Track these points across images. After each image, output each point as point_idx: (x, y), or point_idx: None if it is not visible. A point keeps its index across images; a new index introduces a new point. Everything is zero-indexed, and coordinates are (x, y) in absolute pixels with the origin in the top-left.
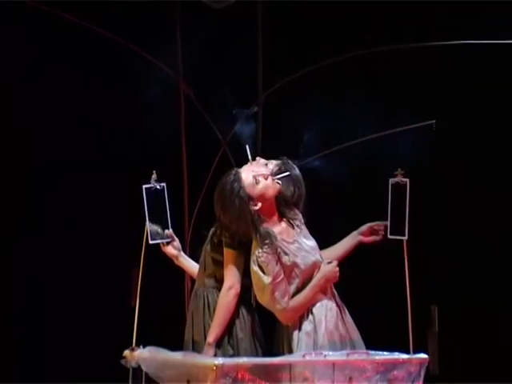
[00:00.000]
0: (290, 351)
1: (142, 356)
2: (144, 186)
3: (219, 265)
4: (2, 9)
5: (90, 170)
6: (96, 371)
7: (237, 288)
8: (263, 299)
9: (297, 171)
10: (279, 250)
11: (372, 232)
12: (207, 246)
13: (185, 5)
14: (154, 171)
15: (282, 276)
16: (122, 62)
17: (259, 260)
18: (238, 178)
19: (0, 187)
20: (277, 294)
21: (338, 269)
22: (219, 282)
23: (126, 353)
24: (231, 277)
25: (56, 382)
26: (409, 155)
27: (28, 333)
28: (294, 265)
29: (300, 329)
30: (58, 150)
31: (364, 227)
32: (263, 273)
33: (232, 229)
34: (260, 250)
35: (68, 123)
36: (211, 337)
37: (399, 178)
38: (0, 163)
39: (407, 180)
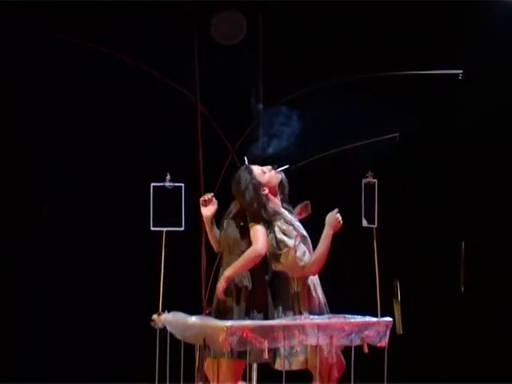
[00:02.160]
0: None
1: (167, 319)
2: (152, 185)
3: (244, 243)
4: (25, 33)
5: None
6: (128, 334)
7: (262, 250)
8: (288, 261)
9: (283, 175)
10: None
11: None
12: (229, 231)
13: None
14: (168, 173)
15: (300, 239)
16: (143, 83)
17: (282, 228)
18: (250, 170)
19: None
20: (299, 254)
21: (338, 215)
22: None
23: (154, 317)
24: (259, 242)
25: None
26: (377, 161)
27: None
28: (302, 236)
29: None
30: (90, 161)
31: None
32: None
33: (252, 208)
34: (279, 222)
35: (93, 136)
36: (228, 273)
37: (370, 179)
38: (25, 170)
39: (376, 180)
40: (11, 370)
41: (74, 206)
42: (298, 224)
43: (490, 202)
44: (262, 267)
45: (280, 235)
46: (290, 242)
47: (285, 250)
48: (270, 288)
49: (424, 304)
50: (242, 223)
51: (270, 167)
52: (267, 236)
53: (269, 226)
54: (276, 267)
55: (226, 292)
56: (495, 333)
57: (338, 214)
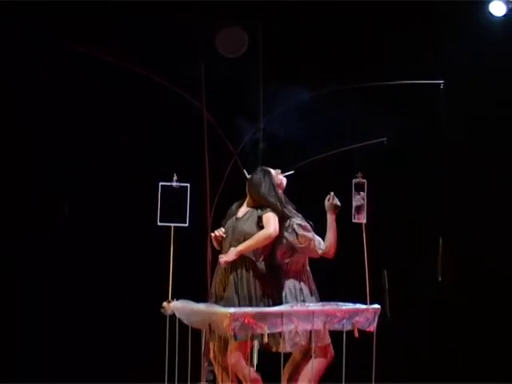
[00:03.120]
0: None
1: (176, 306)
2: (161, 184)
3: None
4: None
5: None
6: (141, 320)
7: (273, 233)
8: (308, 251)
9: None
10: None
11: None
12: (245, 227)
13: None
14: (175, 173)
15: (313, 231)
16: (156, 94)
17: (302, 225)
18: (268, 172)
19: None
20: (317, 243)
21: (332, 197)
22: (256, 255)
23: (164, 304)
24: (271, 226)
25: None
26: (366, 163)
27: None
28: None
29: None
30: (107, 162)
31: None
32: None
33: (274, 207)
34: (298, 220)
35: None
36: (240, 248)
37: (359, 179)
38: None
39: (365, 180)
40: (27, 353)
41: (91, 202)
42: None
43: (464, 201)
44: (268, 259)
45: (301, 231)
46: (310, 235)
47: (305, 244)
48: (274, 278)
49: (407, 290)
50: (257, 219)
51: (279, 170)
52: (283, 227)
53: (284, 221)
54: (289, 258)
55: (229, 264)
56: (469, 316)
57: (332, 197)
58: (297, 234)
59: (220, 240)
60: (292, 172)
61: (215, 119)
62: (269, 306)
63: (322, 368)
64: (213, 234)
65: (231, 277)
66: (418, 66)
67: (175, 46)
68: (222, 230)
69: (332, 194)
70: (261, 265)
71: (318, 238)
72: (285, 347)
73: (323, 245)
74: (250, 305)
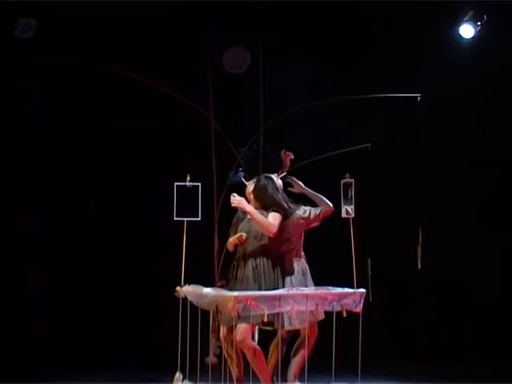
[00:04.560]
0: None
1: (187, 290)
2: (176, 184)
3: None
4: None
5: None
6: (158, 302)
7: (274, 230)
8: (315, 218)
9: None
10: None
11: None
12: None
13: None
14: (188, 175)
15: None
16: (173, 108)
17: (304, 209)
18: (271, 178)
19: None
20: (317, 212)
21: (291, 178)
22: (267, 248)
23: (178, 288)
24: (276, 224)
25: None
26: (353, 165)
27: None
28: None
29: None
30: (130, 165)
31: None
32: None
33: (280, 207)
34: (300, 211)
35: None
36: (252, 211)
37: (347, 179)
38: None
39: (352, 180)
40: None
41: (118, 200)
42: None
43: (439, 198)
44: (277, 250)
45: (307, 212)
46: (313, 211)
47: (313, 216)
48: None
49: (389, 277)
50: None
51: (275, 174)
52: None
53: (290, 215)
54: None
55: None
56: (444, 299)
57: (290, 179)
58: (303, 218)
59: (238, 244)
60: (285, 174)
61: (222, 128)
62: (276, 289)
63: (313, 343)
64: (233, 240)
65: (249, 262)
66: (398, 81)
67: (190, 66)
68: (244, 234)
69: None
70: (273, 254)
71: (313, 209)
72: (294, 325)
73: (319, 209)
74: (260, 288)
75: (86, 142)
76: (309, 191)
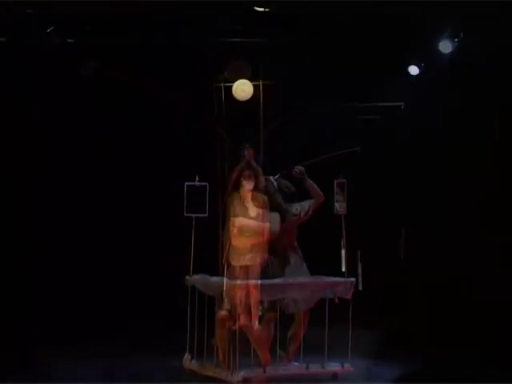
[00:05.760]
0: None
1: (195, 279)
2: (186, 183)
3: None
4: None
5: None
6: (169, 290)
7: (268, 230)
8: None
9: None
10: None
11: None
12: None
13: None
14: (197, 175)
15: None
16: (183, 118)
17: (301, 204)
18: (269, 180)
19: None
20: (310, 204)
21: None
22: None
23: (187, 277)
24: (276, 225)
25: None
26: (345, 166)
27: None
28: None
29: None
30: (145, 166)
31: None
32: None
33: (276, 202)
34: (296, 206)
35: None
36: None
37: (340, 180)
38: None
39: (345, 180)
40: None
41: (132, 199)
42: None
43: (421, 197)
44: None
45: (305, 206)
46: (303, 209)
47: (303, 214)
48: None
49: (375, 268)
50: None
51: (271, 176)
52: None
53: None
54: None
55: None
56: (424, 287)
57: (298, 170)
58: (295, 215)
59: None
60: (278, 175)
61: (228, 135)
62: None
63: (307, 325)
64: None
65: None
66: (382, 91)
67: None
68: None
69: (295, 168)
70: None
71: (302, 206)
72: (301, 308)
73: (308, 203)
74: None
75: (95, 145)
76: (309, 182)
